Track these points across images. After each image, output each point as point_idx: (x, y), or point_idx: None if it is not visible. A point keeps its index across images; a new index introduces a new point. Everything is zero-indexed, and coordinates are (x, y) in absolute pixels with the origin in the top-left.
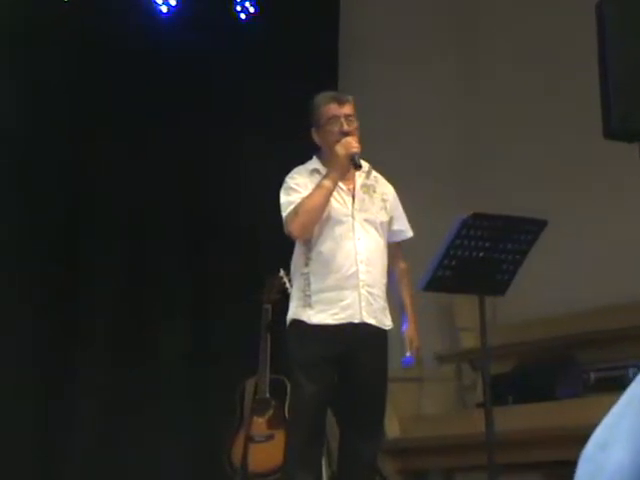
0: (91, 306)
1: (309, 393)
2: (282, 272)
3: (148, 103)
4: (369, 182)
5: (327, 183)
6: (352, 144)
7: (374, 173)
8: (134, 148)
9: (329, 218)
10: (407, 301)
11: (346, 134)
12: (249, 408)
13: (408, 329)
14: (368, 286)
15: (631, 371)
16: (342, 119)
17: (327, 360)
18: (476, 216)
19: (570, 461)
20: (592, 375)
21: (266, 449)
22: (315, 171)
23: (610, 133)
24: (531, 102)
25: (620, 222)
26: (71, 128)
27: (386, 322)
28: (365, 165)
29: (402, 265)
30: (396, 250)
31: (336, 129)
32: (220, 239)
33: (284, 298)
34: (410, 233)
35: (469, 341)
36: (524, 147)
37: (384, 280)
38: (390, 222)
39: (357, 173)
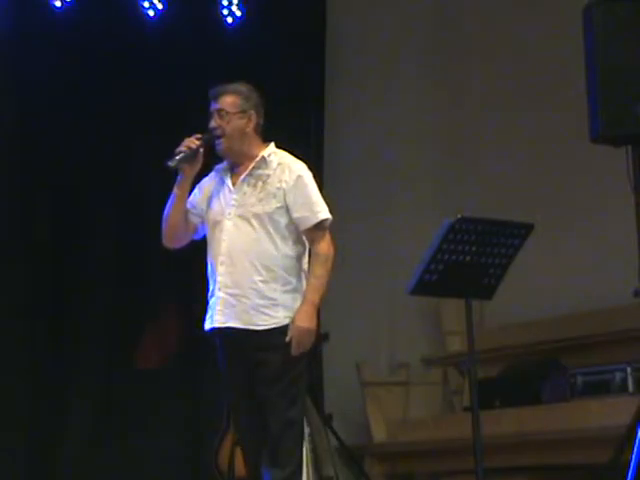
0: (83, 307)
1: (233, 404)
2: None
3: (133, 106)
4: (263, 172)
5: (175, 190)
6: (183, 143)
7: (280, 160)
8: (120, 148)
9: (210, 221)
10: (307, 285)
11: (212, 131)
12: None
13: (297, 310)
14: (227, 288)
15: (618, 375)
16: (214, 115)
17: (226, 367)
18: (463, 220)
19: (557, 465)
20: (579, 379)
21: None
22: (220, 170)
23: (597, 137)
24: (519, 104)
25: (607, 227)
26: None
27: (258, 322)
28: (267, 151)
29: (315, 249)
30: (307, 236)
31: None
32: None
33: None
34: (318, 217)
35: (456, 345)
36: (512, 150)
37: (259, 277)
38: (288, 211)
39: (248, 164)
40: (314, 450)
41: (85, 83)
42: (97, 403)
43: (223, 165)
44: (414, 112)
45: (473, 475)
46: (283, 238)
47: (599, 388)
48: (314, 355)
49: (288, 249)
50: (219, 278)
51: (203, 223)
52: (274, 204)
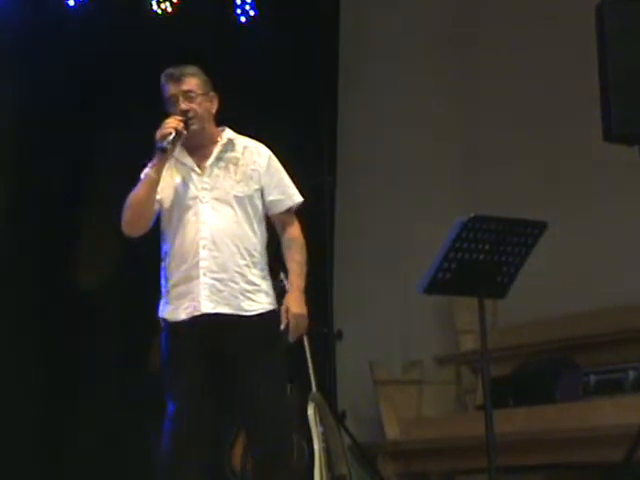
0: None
1: (187, 398)
2: (282, 275)
3: (145, 106)
4: (231, 154)
5: (149, 172)
6: (168, 124)
7: (244, 143)
8: (129, 149)
9: (177, 204)
10: (291, 271)
11: (184, 113)
12: None
13: (286, 299)
14: (213, 272)
15: (631, 373)
16: (181, 97)
17: (195, 357)
18: (476, 218)
19: (570, 463)
20: (592, 378)
21: None
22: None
23: (610, 136)
24: (531, 105)
25: (619, 225)
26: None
27: (246, 307)
28: (229, 135)
29: (290, 234)
30: (283, 220)
31: (176, 110)
32: None
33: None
34: (293, 200)
35: (469, 344)
36: (524, 150)
37: (243, 261)
38: (262, 193)
39: (215, 147)
40: (327, 448)
41: (90, 83)
42: (111, 403)
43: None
44: (431, 110)
45: (486, 473)
46: (259, 222)
47: (612, 387)
48: (327, 353)
49: (262, 234)
50: (202, 263)
51: (160, 210)
52: (252, 186)
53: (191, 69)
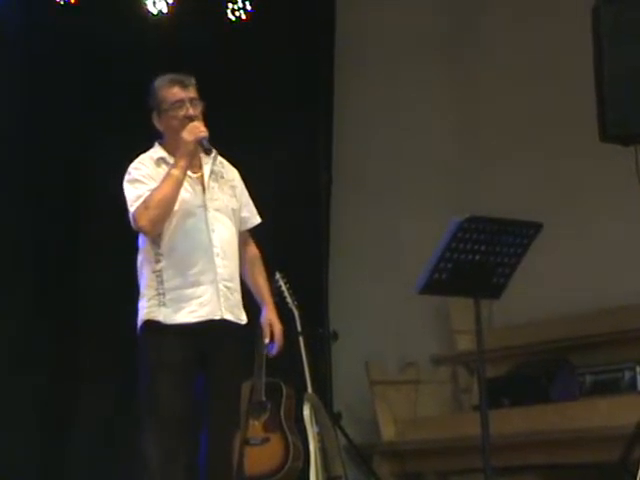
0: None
1: (174, 401)
2: (278, 275)
3: (139, 104)
4: (216, 168)
5: (176, 172)
6: (199, 128)
7: (220, 159)
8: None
9: (180, 210)
10: (263, 286)
11: (192, 119)
12: (245, 411)
13: (267, 314)
14: (225, 280)
15: (627, 374)
16: (187, 103)
17: (188, 360)
18: (472, 219)
19: (566, 464)
20: (588, 378)
21: (262, 452)
22: (161, 160)
23: (606, 136)
24: (529, 105)
25: (615, 225)
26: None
27: (242, 317)
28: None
29: (253, 250)
30: (246, 236)
31: (181, 114)
32: None
33: (281, 301)
34: (258, 219)
35: (465, 344)
36: (521, 150)
37: (238, 272)
38: (240, 209)
39: (204, 160)
40: (323, 449)
41: (85, 83)
42: (110, 400)
43: (162, 155)
44: (429, 110)
45: (482, 474)
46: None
47: (608, 387)
48: (322, 353)
49: None
50: (219, 270)
51: None
52: (235, 203)
53: (192, 78)
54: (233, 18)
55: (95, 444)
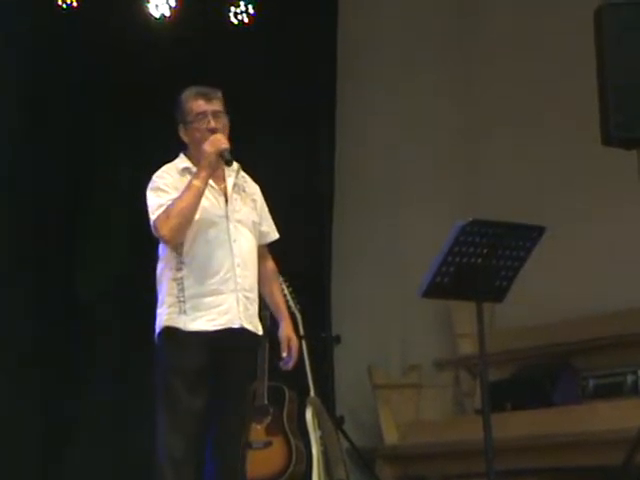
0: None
1: (191, 405)
2: (281, 279)
3: (144, 106)
4: (239, 182)
5: (197, 183)
6: (221, 141)
7: (242, 173)
8: (130, 149)
9: (202, 220)
10: (281, 302)
11: (214, 131)
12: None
13: (285, 329)
14: (245, 290)
15: (629, 377)
16: (210, 116)
17: (204, 367)
18: (474, 223)
19: (569, 467)
20: (590, 382)
21: (264, 456)
22: (186, 170)
23: (608, 140)
24: (531, 109)
25: (618, 229)
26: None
27: (259, 327)
28: (234, 164)
29: (271, 265)
30: (264, 251)
31: (204, 126)
32: None
33: None
34: (276, 235)
35: (467, 348)
36: (524, 154)
37: (257, 284)
38: (260, 223)
39: (227, 172)
40: (325, 452)
41: (88, 84)
42: (114, 397)
43: (186, 165)
44: (431, 112)
45: (484, 478)
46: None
47: (610, 391)
48: (325, 357)
49: None
50: (239, 280)
51: None
52: (255, 216)
53: (218, 92)
54: (235, 22)
55: (97, 444)
